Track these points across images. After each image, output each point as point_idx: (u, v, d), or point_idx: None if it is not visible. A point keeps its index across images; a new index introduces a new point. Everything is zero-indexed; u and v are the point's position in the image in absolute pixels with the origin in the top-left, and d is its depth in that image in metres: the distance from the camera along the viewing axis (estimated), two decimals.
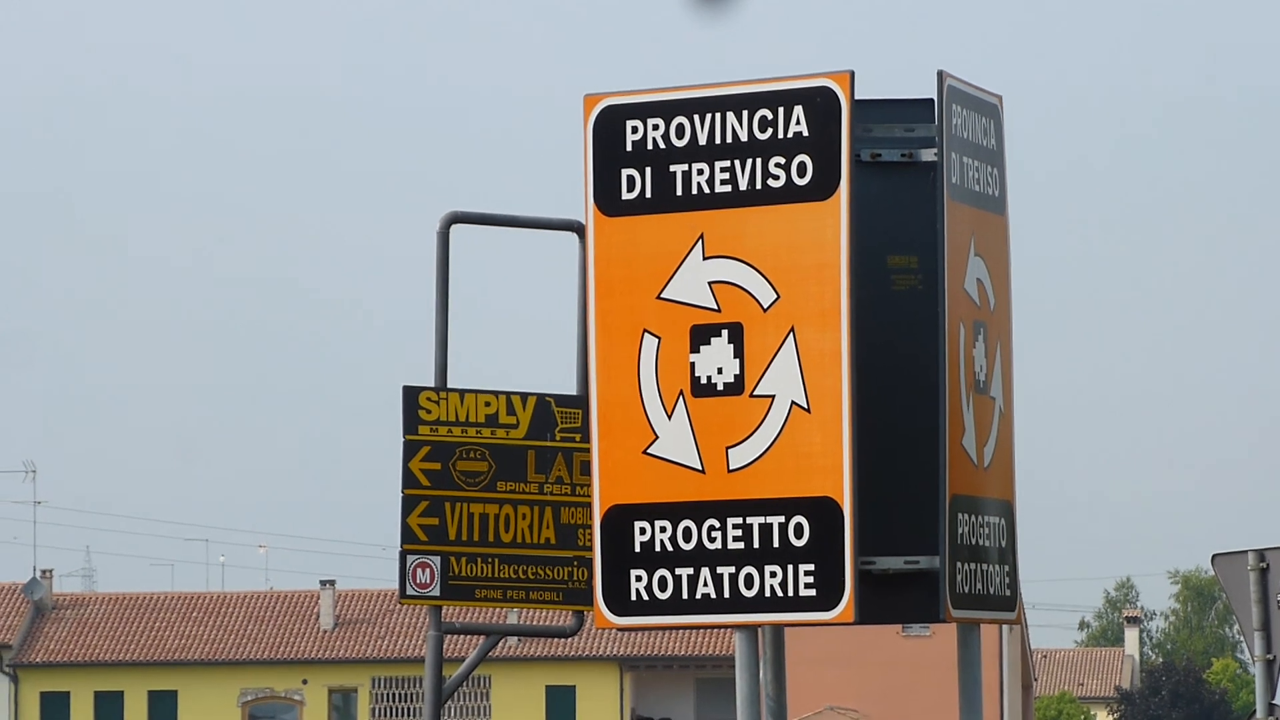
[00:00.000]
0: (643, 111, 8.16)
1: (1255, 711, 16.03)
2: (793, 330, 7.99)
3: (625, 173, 8.22)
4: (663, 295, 8.17)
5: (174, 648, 71.77)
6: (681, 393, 8.18)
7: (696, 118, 8.15)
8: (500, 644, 16.06)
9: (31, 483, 75.87)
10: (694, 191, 8.15)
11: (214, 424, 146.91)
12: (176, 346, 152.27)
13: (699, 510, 8.16)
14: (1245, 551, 15.69)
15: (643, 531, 8.24)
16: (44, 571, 74.38)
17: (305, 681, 71.61)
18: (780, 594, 8.06)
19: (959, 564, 8.07)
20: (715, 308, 8.09)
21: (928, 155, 8.08)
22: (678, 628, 9.02)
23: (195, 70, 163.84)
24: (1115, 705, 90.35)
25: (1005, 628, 40.62)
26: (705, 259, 8.12)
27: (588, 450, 8.80)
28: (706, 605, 8.18)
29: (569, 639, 15.65)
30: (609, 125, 8.22)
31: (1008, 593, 8.60)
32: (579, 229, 9.74)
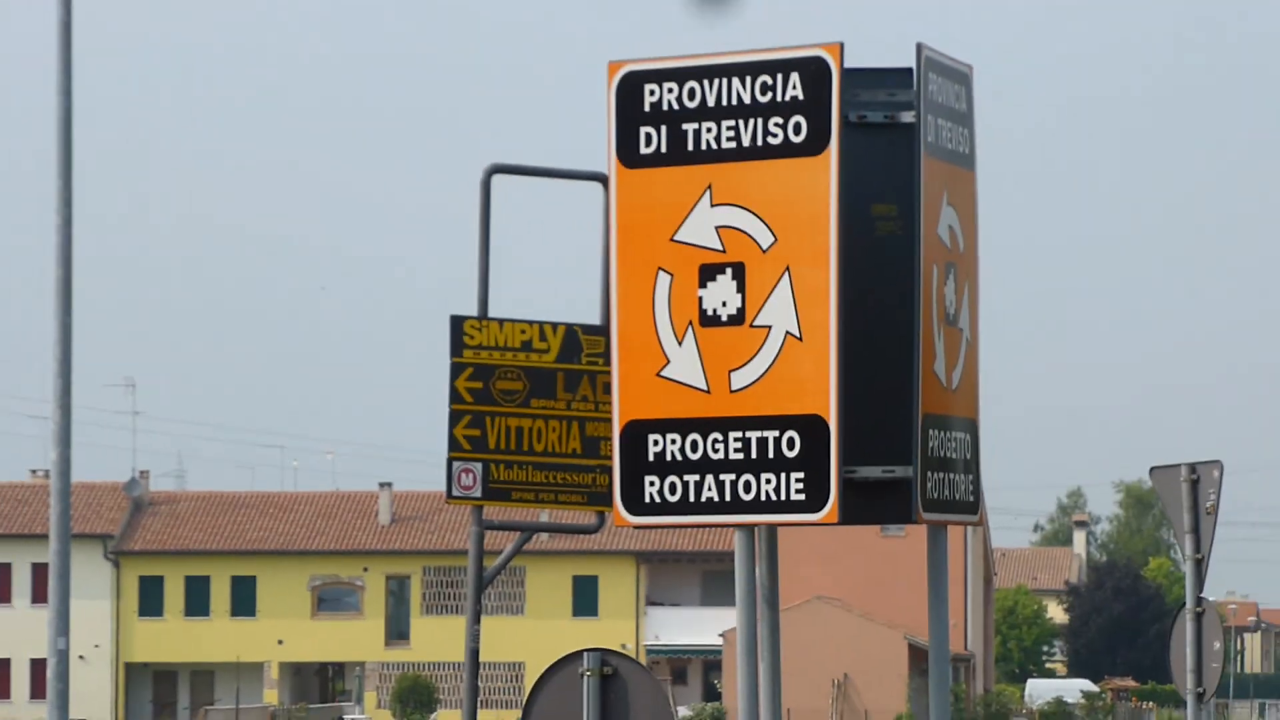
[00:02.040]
0: (658, 77, 8.36)
1: (1185, 603, 16.13)
2: (788, 269, 8.18)
3: (643, 130, 8.42)
4: (675, 238, 8.39)
5: (253, 539, 76.38)
6: (690, 323, 8.36)
7: (705, 82, 8.29)
8: (533, 539, 16.19)
9: (131, 395, 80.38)
10: (703, 147, 8.33)
11: (293, 343, 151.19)
12: (261, 272, 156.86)
13: (704, 425, 8.34)
14: (1179, 465, 15.92)
15: (655, 443, 8.44)
16: (141, 472, 79.26)
17: (366, 569, 74.93)
18: (774, 498, 8.28)
19: (929, 473, 8.28)
20: (721, 249, 8.27)
21: (907, 117, 8.25)
22: (685, 526, 9.18)
23: (233, 27, 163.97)
24: (1064, 597, 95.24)
25: (969, 529, 40.90)
26: (713, 206, 8.31)
27: (609, 372, 9.00)
28: (710, 507, 8.40)
29: (592, 535, 15.93)
30: (629, 89, 8.41)
31: (971, 499, 8.79)
32: (604, 180, 9.94)
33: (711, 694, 69.38)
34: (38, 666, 61.30)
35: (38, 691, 62.50)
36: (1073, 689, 70.38)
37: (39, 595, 64.70)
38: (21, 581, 72.58)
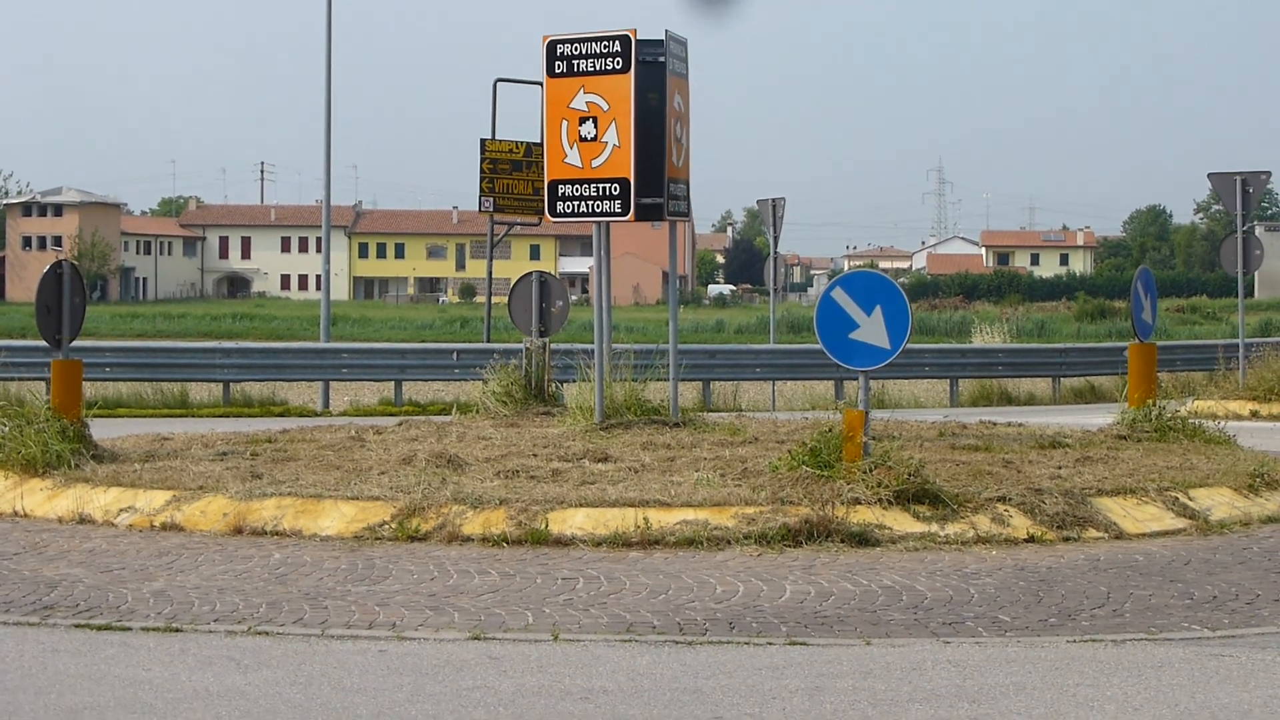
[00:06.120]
0: (563, 41, 16.46)
1: (769, 253, 26.86)
2: (614, 119, 16.09)
3: (556, 62, 16.42)
4: (570, 105, 16.29)
5: (402, 226, 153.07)
6: (576, 141, 16.21)
7: (582, 44, 16.27)
8: (513, 228, 25.70)
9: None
10: (580, 69, 16.28)
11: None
12: None
13: (580, 182, 16.20)
14: (768, 198, 26.48)
15: (561, 189, 16.25)
16: (359, 200, 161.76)
17: (446, 241, 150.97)
18: (608, 210, 16.17)
19: (669, 200, 16.41)
20: (587, 111, 16.32)
21: (661, 59, 16.53)
22: (574, 222, 16.75)
23: None
24: (724, 253, 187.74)
25: (686, 224, 62.83)
26: (585, 93, 16.30)
27: (543, 161, 16.80)
28: (584, 214, 16.16)
29: (536, 227, 26.50)
30: (551, 46, 16.58)
31: (686, 210, 17.12)
32: (541, 84, 17.59)
33: (584, 291, 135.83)
34: (316, 279, 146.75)
35: (315, 288, 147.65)
36: (726, 289, 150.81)
37: (318, 249, 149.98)
38: (312, 245, 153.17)
